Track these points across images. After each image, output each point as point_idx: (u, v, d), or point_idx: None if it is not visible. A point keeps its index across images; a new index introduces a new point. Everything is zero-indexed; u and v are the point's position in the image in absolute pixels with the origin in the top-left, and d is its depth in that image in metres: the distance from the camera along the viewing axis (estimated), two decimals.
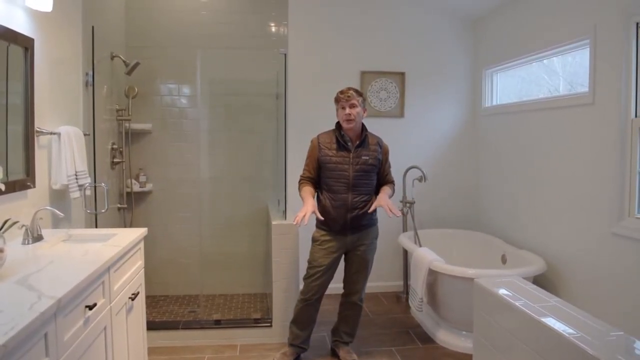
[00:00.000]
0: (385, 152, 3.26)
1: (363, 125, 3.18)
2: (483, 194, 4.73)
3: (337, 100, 3.13)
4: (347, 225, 3.12)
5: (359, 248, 3.19)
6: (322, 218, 3.05)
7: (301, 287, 3.26)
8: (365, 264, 3.25)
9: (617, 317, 2.87)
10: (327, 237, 3.16)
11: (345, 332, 3.39)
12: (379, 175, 3.22)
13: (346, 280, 3.31)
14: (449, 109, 4.86)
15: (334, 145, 3.13)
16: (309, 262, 3.21)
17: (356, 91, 3.11)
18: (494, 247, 4.15)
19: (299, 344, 3.30)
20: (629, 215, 2.90)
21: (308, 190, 3.14)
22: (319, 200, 3.19)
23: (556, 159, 3.56)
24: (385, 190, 3.19)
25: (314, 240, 3.23)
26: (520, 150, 4.05)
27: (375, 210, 3.12)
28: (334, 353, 3.42)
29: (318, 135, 3.22)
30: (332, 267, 3.19)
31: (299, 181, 3.22)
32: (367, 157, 3.13)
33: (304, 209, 2.99)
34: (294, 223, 2.96)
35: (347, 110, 3.06)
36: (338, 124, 3.18)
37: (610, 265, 3.01)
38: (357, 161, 3.10)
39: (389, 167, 3.30)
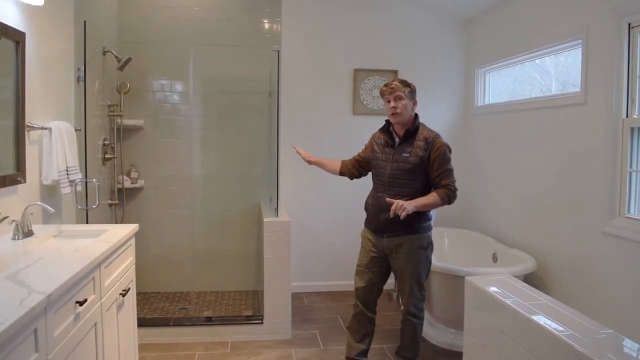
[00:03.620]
0: (434, 150, 2.80)
1: (415, 118, 2.92)
2: (474, 193, 4.74)
3: (381, 94, 2.91)
4: (381, 227, 2.89)
5: (398, 256, 2.89)
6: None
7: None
8: (406, 275, 2.91)
9: (607, 315, 2.89)
10: (367, 236, 3.03)
11: (402, 346, 3.09)
12: (429, 176, 2.87)
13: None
14: (442, 107, 4.87)
15: (382, 141, 2.98)
16: (358, 260, 3.10)
17: (402, 82, 2.86)
18: (485, 246, 4.17)
19: (354, 356, 3.07)
20: (620, 215, 2.92)
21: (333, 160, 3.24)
22: None
23: (548, 158, 3.58)
24: (427, 197, 2.80)
25: (361, 238, 3.11)
26: (511, 149, 4.06)
27: (424, 216, 2.86)
28: None
29: (379, 129, 3.07)
30: (373, 268, 2.98)
31: None
32: (408, 155, 2.82)
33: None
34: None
35: (392, 104, 2.83)
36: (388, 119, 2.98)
37: (600, 264, 3.03)
38: (397, 158, 2.85)
39: (441, 166, 2.81)
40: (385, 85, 2.89)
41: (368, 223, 3.04)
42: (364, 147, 3.16)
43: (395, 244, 2.89)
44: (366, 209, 3.05)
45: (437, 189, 2.84)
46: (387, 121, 2.99)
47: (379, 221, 2.89)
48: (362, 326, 3.07)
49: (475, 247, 4.32)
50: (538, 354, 2.03)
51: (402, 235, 2.86)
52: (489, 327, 2.44)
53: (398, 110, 2.83)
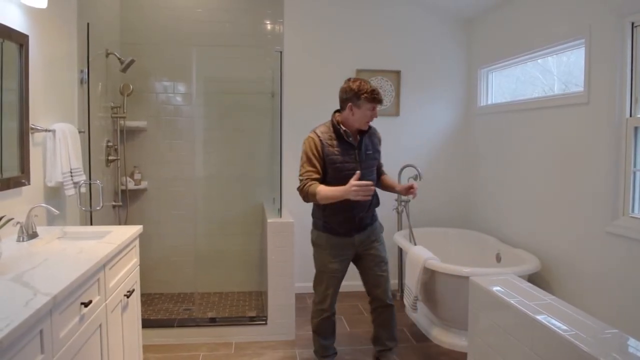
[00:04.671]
0: (380, 141, 3.05)
1: None
2: (478, 193, 4.74)
3: (369, 100, 2.75)
4: (354, 226, 2.91)
5: (373, 245, 3.00)
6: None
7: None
8: (383, 261, 3.03)
9: (611, 315, 2.89)
10: (335, 241, 2.93)
11: (387, 337, 3.13)
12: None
13: (368, 284, 3.06)
14: (445, 107, 4.87)
15: (335, 142, 2.82)
16: (319, 269, 3.00)
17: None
18: (489, 246, 4.16)
19: (330, 354, 3.15)
20: (623, 215, 2.91)
21: (326, 187, 2.75)
22: (318, 205, 2.90)
23: (551, 157, 3.57)
24: (393, 180, 3.19)
25: (318, 245, 2.99)
26: (515, 149, 4.06)
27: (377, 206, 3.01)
28: None
29: (315, 131, 2.87)
30: (344, 272, 3.01)
31: (306, 184, 2.75)
32: (371, 152, 2.93)
33: (355, 186, 2.59)
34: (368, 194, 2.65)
35: (373, 115, 2.82)
36: (334, 119, 2.88)
37: (604, 264, 3.03)
38: (364, 158, 2.88)
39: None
40: (378, 94, 2.79)
41: (334, 229, 2.92)
42: (311, 160, 2.80)
43: (366, 237, 2.99)
44: (332, 215, 2.89)
45: (385, 174, 3.18)
46: (336, 124, 2.86)
47: (354, 221, 2.91)
48: (332, 326, 3.12)
49: (478, 247, 4.31)
50: (543, 354, 2.03)
51: (369, 225, 3.00)
52: (493, 327, 2.44)
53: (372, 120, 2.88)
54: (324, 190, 2.71)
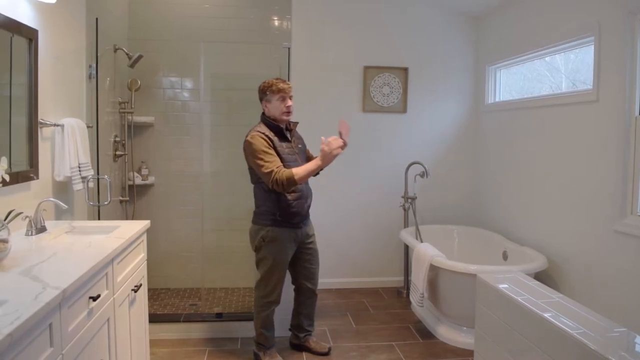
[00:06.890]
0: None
1: None
2: (485, 190, 4.73)
3: (276, 91, 3.00)
4: (303, 216, 3.13)
5: (312, 240, 3.26)
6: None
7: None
8: (318, 254, 3.32)
9: (619, 314, 2.88)
10: (288, 233, 3.08)
11: (308, 324, 3.43)
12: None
13: (303, 275, 3.28)
14: (452, 105, 4.85)
15: (276, 138, 3.02)
16: (274, 262, 3.07)
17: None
18: (495, 244, 4.15)
19: (274, 343, 3.29)
20: (632, 213, 2.90)
21: (299, 167, 2.93)
22: (271, 199, 3.04)
23: (559, 155, 3.56)
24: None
25: (273, 240, 3.05)
26: (522, 146, 4.04)
27: None
28: (301, 348, 3.42)
29: (257, 131, 3.01)
30: (289, 262, 3.18)
31: (278, 171, 2.85)
32: (302, 146, 3.24)
33: (335, 142, 2.90)
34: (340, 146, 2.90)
35: (289, 102, 3.04)
36: (266, 118, 3.08)
37: (612, 262, 3.01)
38: (298, 151, 3.15)
39: None
40: (284, 83, 3.04)
41: (288, 222, 3.06)
42: (267, 152, 2.94)
43: (308, 229, 3.22)
44: (287, 207, 3.03)
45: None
46: (270, 121, 3.07)
47: (304, 210, 3.13)
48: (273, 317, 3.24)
49: (485, 245, 4.31)
50: (551, 352, 2.02)
51: (308, 218, 3.24)
52: (500, 325, 2.44)
53: (291, 110, 3.07)
54: (300, 170, 2.90)
